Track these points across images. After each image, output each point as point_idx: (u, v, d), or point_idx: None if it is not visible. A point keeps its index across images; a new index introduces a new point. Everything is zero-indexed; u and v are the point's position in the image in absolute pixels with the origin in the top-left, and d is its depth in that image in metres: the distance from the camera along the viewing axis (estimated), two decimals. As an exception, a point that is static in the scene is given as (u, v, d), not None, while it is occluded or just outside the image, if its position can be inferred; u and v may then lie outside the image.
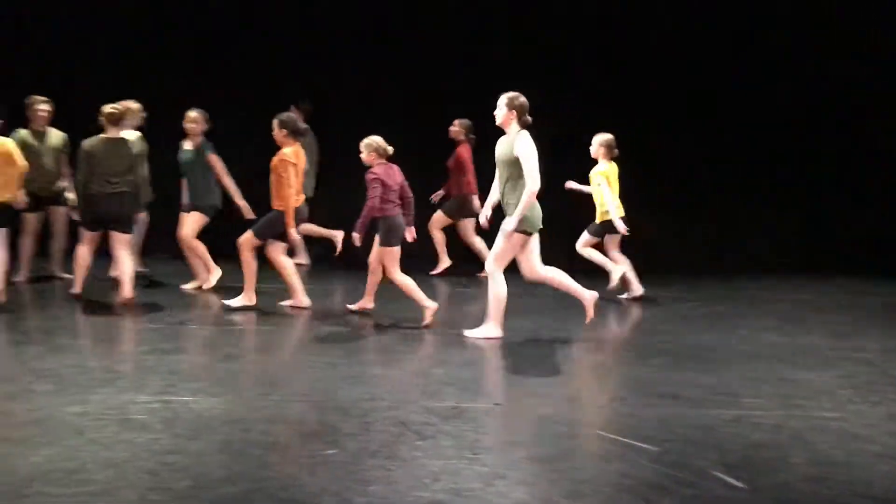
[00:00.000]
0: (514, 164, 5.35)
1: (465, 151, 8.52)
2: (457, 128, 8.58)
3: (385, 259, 6.12)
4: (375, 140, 6.16)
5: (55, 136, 7.29)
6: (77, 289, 6.61)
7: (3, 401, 4.12)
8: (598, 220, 7.33)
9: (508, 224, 5.35)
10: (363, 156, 6.17)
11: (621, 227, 7.13)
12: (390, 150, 6.17)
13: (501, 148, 5.48)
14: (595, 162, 7.34)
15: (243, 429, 3.76)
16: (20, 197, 6.56)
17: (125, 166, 6.48)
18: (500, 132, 5.53)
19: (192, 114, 7.05)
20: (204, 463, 3.34)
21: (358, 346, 5.46)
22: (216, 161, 7.06)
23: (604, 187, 7.20)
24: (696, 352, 5.45)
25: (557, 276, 5.66)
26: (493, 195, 5.77)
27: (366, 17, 9.72)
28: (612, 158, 7.36)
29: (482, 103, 5.98)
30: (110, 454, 3.40)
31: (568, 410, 4.14)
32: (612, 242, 7.35)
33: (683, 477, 3.28)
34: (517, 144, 5.33)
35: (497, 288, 5.51)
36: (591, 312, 5.66)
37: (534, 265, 5.56)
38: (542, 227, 5.52)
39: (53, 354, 5.04)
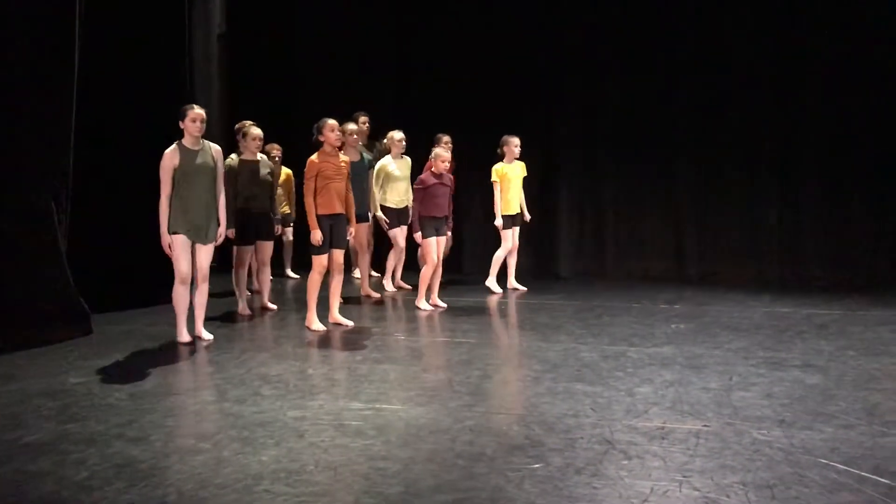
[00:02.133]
0: None
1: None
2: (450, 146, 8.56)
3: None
4: None
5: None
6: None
7: (235, 404, 4.49)
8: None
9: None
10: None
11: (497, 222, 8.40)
12: None
13: None
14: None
15: (450, 439, 3.86)
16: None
17: None
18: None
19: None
20: (414, 470, 3.46)
21: (560, 361, 5.44)
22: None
23: (498, 185, 8.38)
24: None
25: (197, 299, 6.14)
26: None
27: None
28: (517, 158, 8.50)
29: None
30: (328, 457, 3.61)
31: (784, 435, 3.89)
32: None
33: (923, 515, 2.99)
34: None
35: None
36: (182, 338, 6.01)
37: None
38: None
39: (277, 361, 5.45)
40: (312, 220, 6.37)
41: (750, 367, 5.27)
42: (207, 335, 6.17)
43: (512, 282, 8.72)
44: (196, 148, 5.95)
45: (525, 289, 8.64)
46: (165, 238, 5.86)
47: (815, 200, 9.47)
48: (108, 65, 7.34)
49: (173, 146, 5.93)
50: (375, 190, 8.21)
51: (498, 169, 8.47)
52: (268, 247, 7.39)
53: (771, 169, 9.58)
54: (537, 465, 3.50)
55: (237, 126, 7.71)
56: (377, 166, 8.27)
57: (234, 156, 7.20)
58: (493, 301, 8.11)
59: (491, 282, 8.62)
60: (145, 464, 3.51)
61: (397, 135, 8.33)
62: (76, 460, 3.57)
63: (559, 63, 10.06)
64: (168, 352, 5.80)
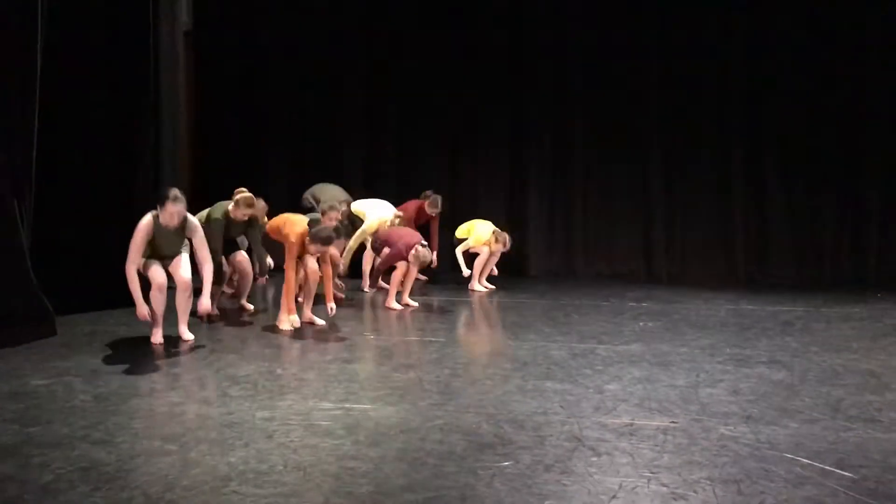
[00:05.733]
0: None
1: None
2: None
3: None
4: None
5: None
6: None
7: (202, 405, 4.44)
8: None
9: None
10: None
11: None
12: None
13: None
14: None
15: (420, 438, 3.86)
16: None
17: None
18: None
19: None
20: (383, 470, 3.45)
21: (530, 359, 5.46)
22: None
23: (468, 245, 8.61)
24: (896, 372, 5.05)
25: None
26: None
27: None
28: None
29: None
30: (297, 457, 3.59)
31: (750, 431, 3.94)
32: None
33: (884, 507, 3.05)
34: None
35: None
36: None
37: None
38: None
39: (246, 362, 5.40)
40: (290, 299, 6.42)
41: (716, 363, 5.33)
42: (188, 335, 6.06)
43: (483, 280, 8.73)
44: (171, 227, 5.80)
45: (494, 287, 8.65)
46: (142, 308, 5.71)
47: (781, 201, 9.62)
48: (72, 61, 7.22)
49: (149, 219, 5.76)
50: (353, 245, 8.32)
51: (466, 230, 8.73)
52: (243, 255, 7.29)
53: (738, 169, 9.70)
54: (507, 463, 3.51)
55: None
56: (367, 229, 8.26)
57: (229, 207, 7.00)
58: (463, 300, 8.12)
59: (476, 285, 8.59)
60: (111, 466, 3.47)
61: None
62: (40, 463, 3.51)
63: (528, 62, 10.09)
64: (134, 353, 5.72)
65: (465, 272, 8.69)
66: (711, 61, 9.64)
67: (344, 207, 8.09)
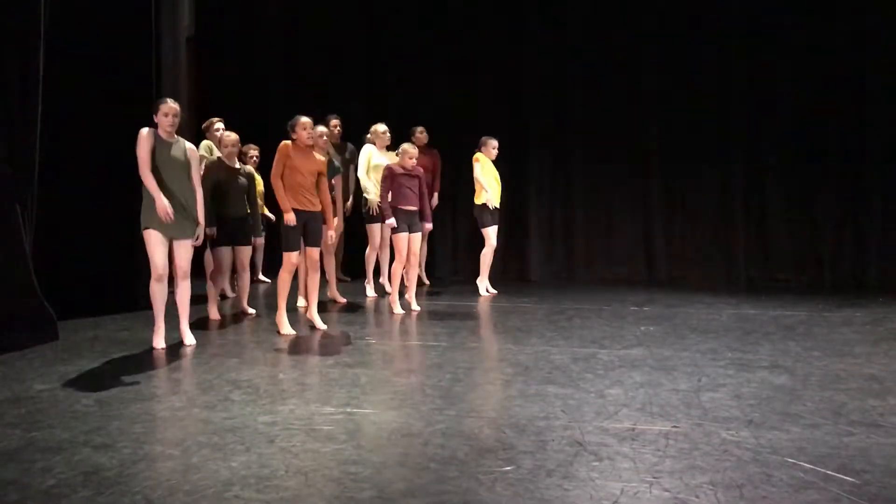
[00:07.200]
0: None
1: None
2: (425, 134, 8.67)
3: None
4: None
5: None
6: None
7: (204, 409, 4.44)
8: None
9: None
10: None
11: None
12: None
13: None
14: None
15: (421, 442, 3.85)
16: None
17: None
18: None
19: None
20: (385, 475, 3.45)
21: (531, 364, 5.46)
22: None
23: (479, 164, 8.34)
24: (898, 377, 5.04)
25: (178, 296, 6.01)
26: None
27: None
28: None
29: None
30: (299, 462, 3.58)
31: (752, 436, 3.94)
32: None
33: (887, 512, 3.04)
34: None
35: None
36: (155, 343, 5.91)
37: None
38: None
39: (247, 366, 5.41)
40: (283, 203, 6.29)
41: (718, 368, 5.33)
42: (191, 339, 6.04)
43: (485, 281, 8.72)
44: (170, 140, 5.81)
45: (496, 292, 8.65)
46: (162, 201, 5.62)
47: (782, 205, 9.62)
48: (75, 67, 7.25)
49: (148, 129, 5.74)
50: (362, 177, 8.19)
51: (479, 156, 8.45)
52: (245, 251, 7.32)
53: (738, 171, 9.71)
54: (509, 468, 3.50)
55: (205, 125, 7.64)
56: (363, 154, 8.24)
57: (214, 149, 7.09)
58: (464, 305, 8.12)
59: (483, 281, 8.56)
60: (113, 471, 3.47)
61: (380, 127, 8.30)
62: (42, 468, 3.51)
63: (529, 66, 10.11)
64: (136, 357, 5.73)
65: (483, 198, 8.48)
66: (711, 63, 9.66)
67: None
